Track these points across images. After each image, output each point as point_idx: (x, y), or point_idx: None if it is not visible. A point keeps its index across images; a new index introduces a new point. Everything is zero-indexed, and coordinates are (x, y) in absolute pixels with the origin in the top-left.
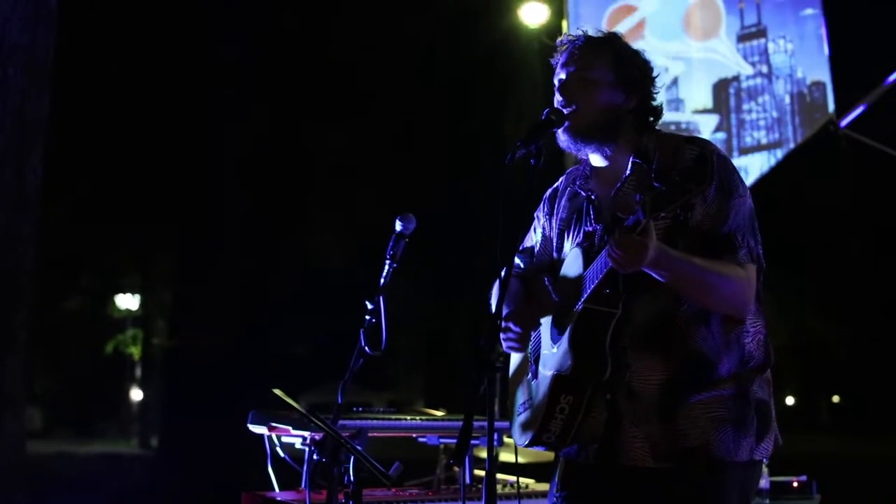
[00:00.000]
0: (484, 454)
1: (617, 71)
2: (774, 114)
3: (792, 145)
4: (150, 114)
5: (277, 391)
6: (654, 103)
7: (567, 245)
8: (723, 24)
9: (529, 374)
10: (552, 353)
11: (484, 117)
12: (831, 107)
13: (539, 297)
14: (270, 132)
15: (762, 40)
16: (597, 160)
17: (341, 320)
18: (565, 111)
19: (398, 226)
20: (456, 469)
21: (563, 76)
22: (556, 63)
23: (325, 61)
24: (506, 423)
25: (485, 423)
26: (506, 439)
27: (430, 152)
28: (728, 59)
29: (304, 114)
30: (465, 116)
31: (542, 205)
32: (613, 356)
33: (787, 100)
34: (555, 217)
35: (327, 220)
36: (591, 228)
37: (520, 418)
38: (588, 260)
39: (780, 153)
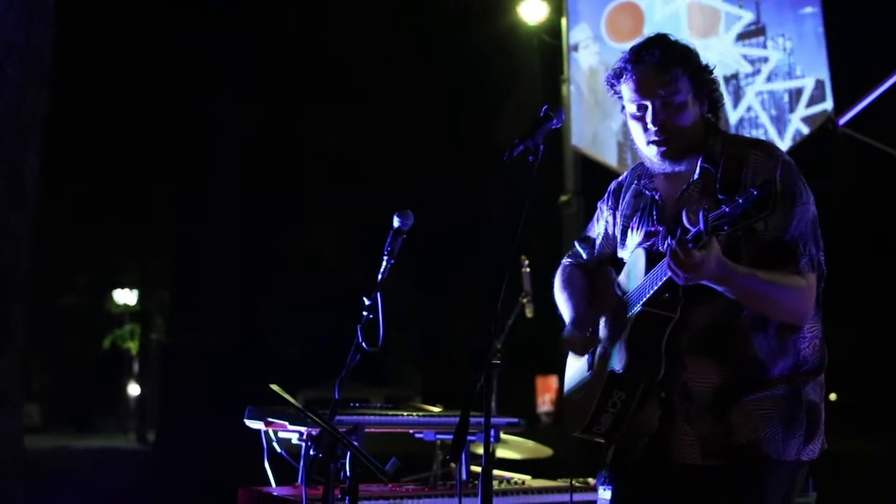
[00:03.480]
0: (481, 450)
1: (695, 86)
2: (773, 112)
3: (791, 144)
4: (148, 112)
5: (274, 387)
6: (718, 103)
7: (629, 241)
8: (722, 23)
9: (585, 362)
10: (609, 348)
11: (482, 114)
12: (830, 105)
13: (602, 289)
14: (268, 130)
15: (761, 38)
16: (682, 170)
17: (338, 317)
18: (658, 138)
19: (396, 222)
20: (452, 465)
21: (646, 103)
22: (623, 79)
23: (322, 60)
24: (503, 420)
25: (482, 420)
26: (503, 435)
27: (428, 150)
28: (727, 57)
29: (302, 112)
30: (463, 114)
31: (606, 196)
32: (669, 358)
33: (786, 98)
34: (619, 212)
35: (324, 217)
36: (653, 229)
37: (573, 404)
38: (650, 262)
39: None
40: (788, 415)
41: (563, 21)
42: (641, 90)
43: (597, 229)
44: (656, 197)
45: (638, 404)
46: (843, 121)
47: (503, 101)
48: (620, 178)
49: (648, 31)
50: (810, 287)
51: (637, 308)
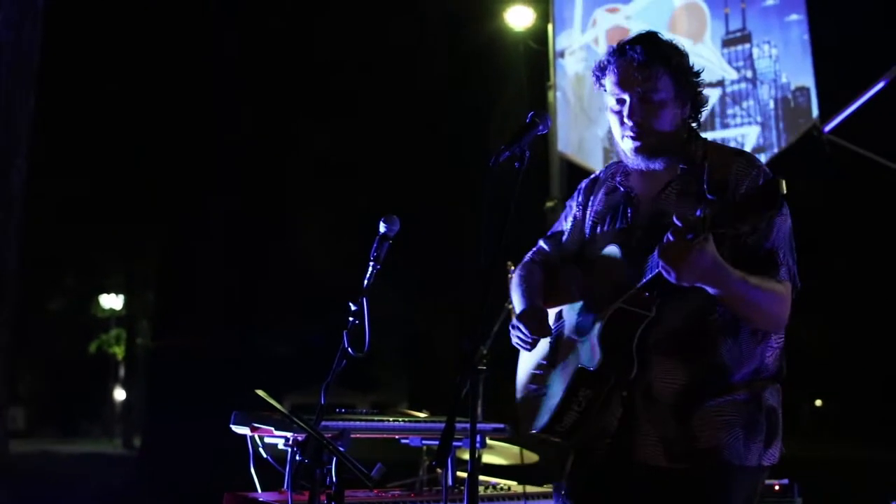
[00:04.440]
0: (466, 456)
1: (676, 85)
2: (759, 118)
3: (776, 150)
4: (136, 114)
5: (260, 392)
6: (703, 109)
7: (599, 238)
8: (708, 29)
9: (545, 360)
10: (577, 345)
11: (469, 119)
12: (815, 112)
13: (564, 287)
14: (257, 132)
15: (747, 45)
16: (658, 168)
17: (327, 321)
18: (633, 133)
19: (382, 228)
20: (438, 471)
21: (624, 97)
22: (607, 74)
23: (311, 63)
24: (488, 425)
25: (467, 425)
26: (489, 441)
27: (416, 154)
28: (713, 63)
29: (291, 114)
30: (450, 119)
31: (577, 194)
32: (639, 356)
33: (772, 105)
34: (589, 209)
35: (313, 220)
36: (626, 226)
37: (530, 402)
38: (630, 258)
39: (764, 158)
40: (749, 420)
41: (550, 27)
42: (621, 83)
43: (564, 225)
44: (631, 194)
45: (603, 404)
46: (828, 128)
47: (490, 107)
48: (593, 175)
49: None
50: (788, 295)
51: (614, 305)
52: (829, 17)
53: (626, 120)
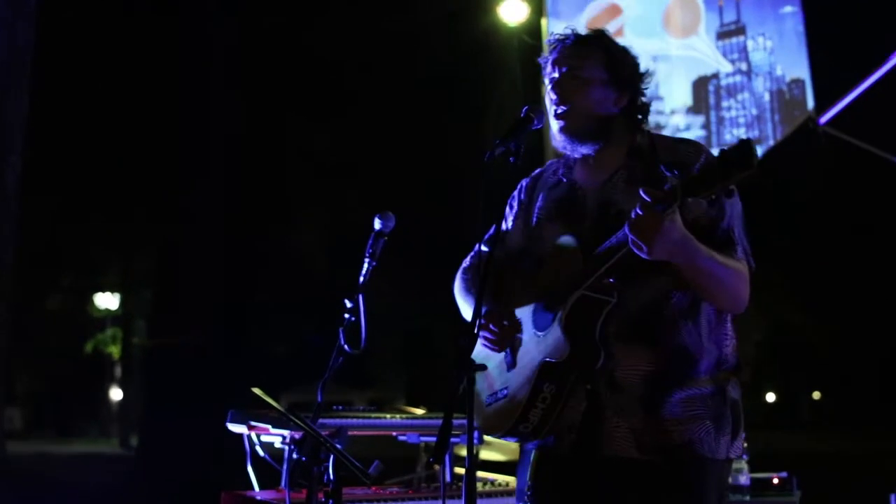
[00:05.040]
0: (464, 452)
1: (609, 69)
2: (754, 111)
3: (771, 142)
4: (131, 111)
5: (256, 390)
6: (644, 100)
7: (546, 233)
8: (702, 22)
9: (502, 363)
10: (537, 340)
11: (464, 115)
12: (811, 104)
13: (512, 287)
14: (253, 130)
15: (741, 38)
16: (586, 152)
17: (323, 319)
18: (558, 110)
19: (377, 224)
20: (436, 467)
21: (555, 75)
22: (546, 61)
23: (306, 59)
24: None
25: (465, 422)
26: (486, 437)
27: (411, 150)
28: (708, 56)
29: (287, 111)
30: (445, 114)
31: (518, 192)
32: (603, 345)
33: (767, 97)
34: (533, 205)
35: (309, 218)
36: (574, 217)
37: (490, 408)
38: (585, 248)
39: (759, 150)
40: (717, 414)
41: (544, 21)
42: (553, 62)
43: (506, 226)
44: (575, 185)
45: (566, 398)
46: (823, 120)
47: (484, 102)
48: (535, 173)
49: (628, 30)
50: (747, 274)
51: (576, 293)
52: (823, 8)
53: (550, 94)
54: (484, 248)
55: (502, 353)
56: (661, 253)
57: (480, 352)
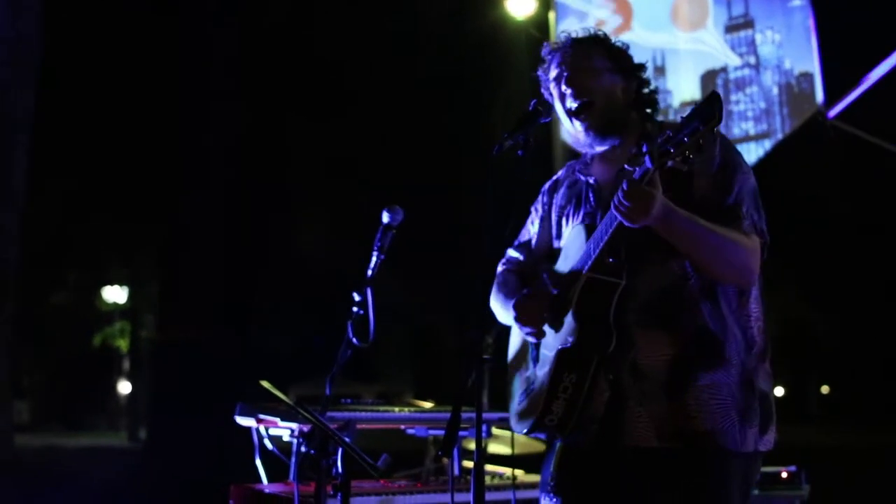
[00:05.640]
0: (472, 446)
1: (612, 59)
2: (762, 105)
3: (780, 136)
4: (137, 108)
5: (265, 383)
6: (651, 89)
7: (566, 231)
8: (710, 15)
9: (530, 363)
10: (556, 332)
11: (472, 110)
12: (819, 97)
13: (538, 292)
14: (257, 127)
15: (750, 31)
16: (601, 147)
17: (327, 314)
18: (578, 103)
19: (385, 217)
20: (444, 460)
21: (566, 73)
22: (548, 69)
23: (310, 56)
24: (494, 415)
25: (473, 415)
26: (494, 431)
27: (418, 145)
28: (716, 49)
29: (291, 109)
30: (452, 109)
31: (540, 196)
32: (617, 330)
33: (775, 91)
34: (554, 206)
35: (314, 212)
36: (590, 210)
37: (519, 406)
38: (590, 234)
39: (768, 144)
40: (744, 406)
41: (551, 15)
42: (560, 64)
43: (531, 230)
44: (591, 182)
45: (590, 387)
46: (832, 113)
47: (492, 97)
48: (555, 177)
49: (637, 24)
50: (755, 247)
51: (582, 278)
52: (832, 1)
53: (565, 90)
54: (514, 253)
55: (531, 354)
56: (643, 217)
57: (511, 351)
